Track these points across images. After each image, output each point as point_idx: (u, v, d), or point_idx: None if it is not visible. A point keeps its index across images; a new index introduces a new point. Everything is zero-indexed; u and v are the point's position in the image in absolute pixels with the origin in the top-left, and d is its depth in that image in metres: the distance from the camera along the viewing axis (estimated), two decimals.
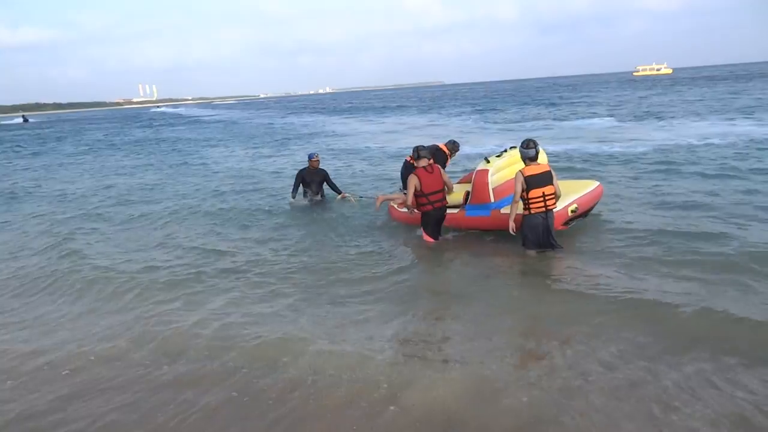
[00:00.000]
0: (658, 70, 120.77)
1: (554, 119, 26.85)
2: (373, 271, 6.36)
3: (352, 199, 9.72)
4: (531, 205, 6.12)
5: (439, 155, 8.13)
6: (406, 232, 7.72)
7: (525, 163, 6.20)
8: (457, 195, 7.47)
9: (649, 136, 16.95)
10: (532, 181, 6.04)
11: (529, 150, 6.14)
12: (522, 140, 6.32)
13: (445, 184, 6.89)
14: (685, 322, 4.50)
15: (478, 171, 7.06)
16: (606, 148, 15.13)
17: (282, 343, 4.62)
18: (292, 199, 9.77)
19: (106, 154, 24.85)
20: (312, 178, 9.69)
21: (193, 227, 9.09)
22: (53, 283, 6.64)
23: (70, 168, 20.13)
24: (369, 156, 17.59)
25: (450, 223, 7.26)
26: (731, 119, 20.55)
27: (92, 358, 4.63)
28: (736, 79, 59.54)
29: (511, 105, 42.84)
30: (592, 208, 7.27)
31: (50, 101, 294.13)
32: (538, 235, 6.21)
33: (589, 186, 7.38)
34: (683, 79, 74.40)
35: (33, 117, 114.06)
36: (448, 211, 7.17)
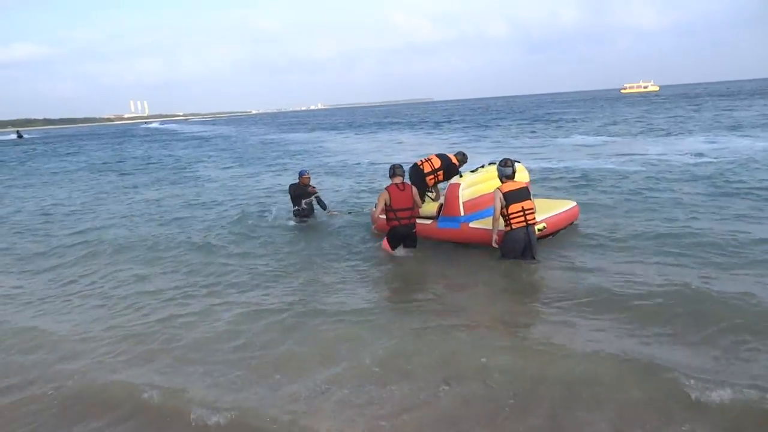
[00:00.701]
0: (645, 87, 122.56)
1: (550, 136, 26.99)
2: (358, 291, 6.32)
3: (339, 215, 9.88)
4: (512, 220, 6.30)
5: (452, 167, 8.02)
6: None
7: (502, 181, 6.44)
8: (431, 206, 7.66)
9: (646, 151, 17.13)
10: (510, 197, 6.26)
11: (506, 168, 6.41)
12: (500, 159, 6.62)
13: (415, 203, 7.07)
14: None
15: (450, 184, 7.31)
16: (602, 163, 15.15)
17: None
18: (295, 210, 9.67)
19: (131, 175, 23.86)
20: (301, 194, 9.67)
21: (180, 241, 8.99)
22: None
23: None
24: (360, 172, 17.57)
25: (422, 234, 7.37)
26: (725, 135, 20.82)
27: None
28: (728, 96, 60.43)
29: (507, 121, 42.99)
30: (564, 227, 7.48)
31: (40, 117, 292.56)
32: (517, 250, 6.38)
33: (564, 206, 7.61)
34: (672, 96, 75.48)
35: (26, 132, 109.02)
36: (422, 221, 7.38)
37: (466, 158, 8.59)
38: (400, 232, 7.05)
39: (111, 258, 8.35)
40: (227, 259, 7.85)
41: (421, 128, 42.69)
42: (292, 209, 9.73)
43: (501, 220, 6.34)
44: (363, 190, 13.39)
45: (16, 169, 28.65)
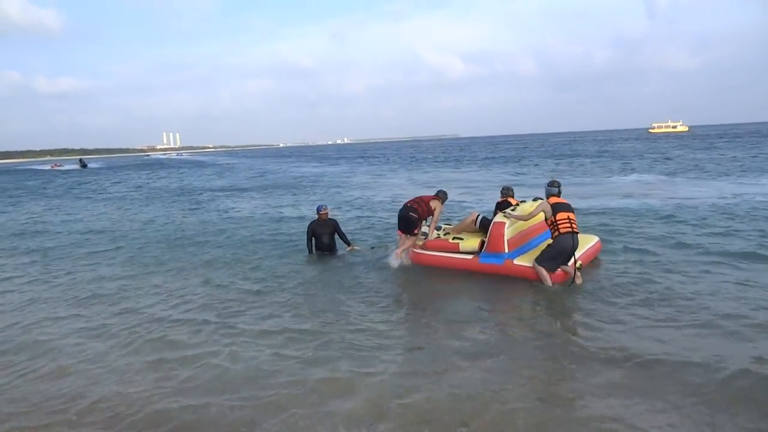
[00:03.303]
0: (674, 127, 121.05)
1: (592, 174, 26.62)
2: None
3: (361, 249, 9.83)
4: (560, 226, 7.06)
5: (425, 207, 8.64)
6: (415, 284, 7.82)
7: (548, 198, 7.35)
8: (472, 242, 8.07)
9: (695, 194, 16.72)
10: (557, 207, 7.16)
11: (552, 188, 7.39)
12: (548, 180, 7.64)
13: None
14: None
15: (495, 223, 7.77)
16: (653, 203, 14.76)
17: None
18: (310, 254, 9.64)
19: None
20: (322, 230, 9.61)
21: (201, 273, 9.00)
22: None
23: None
24: (389, 208, 17.53)
25: (464, 268, 7.95)
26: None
27: None
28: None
29: (544, 159, 42.60)
30: (593, 259, 8.19)
31: (77, 147, 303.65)
32: (564, 253, 7.03)
33: (591, 241, 8.36)
34: (704, 136, 74.27)
35: (69, 162, 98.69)
36: (464, 256, 7.99)
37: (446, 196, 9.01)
38: None
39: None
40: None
41: (462, 165, 42.61)
42: (314, 247, 9.64)
43: (533, 221, 7.61)
44: (387, 224, 13.29)
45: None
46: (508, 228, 7.69)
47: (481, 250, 7.94)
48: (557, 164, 34.04)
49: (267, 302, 7.15)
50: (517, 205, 8.42)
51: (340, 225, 9.97)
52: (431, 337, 5.78)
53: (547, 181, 7.67)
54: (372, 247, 10.02)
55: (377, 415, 4.13)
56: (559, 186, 7.38)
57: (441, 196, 8.79)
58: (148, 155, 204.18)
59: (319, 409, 4.28)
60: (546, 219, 7.26)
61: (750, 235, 9.57)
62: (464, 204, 16.69)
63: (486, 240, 7.84)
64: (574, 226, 7.08)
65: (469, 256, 7.98)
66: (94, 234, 13.93)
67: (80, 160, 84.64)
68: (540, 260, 7.19)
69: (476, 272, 7.83)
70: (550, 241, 7.23)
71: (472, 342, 5.51)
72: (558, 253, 7.06)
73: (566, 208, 7.21)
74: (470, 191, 20.79)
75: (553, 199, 7.28)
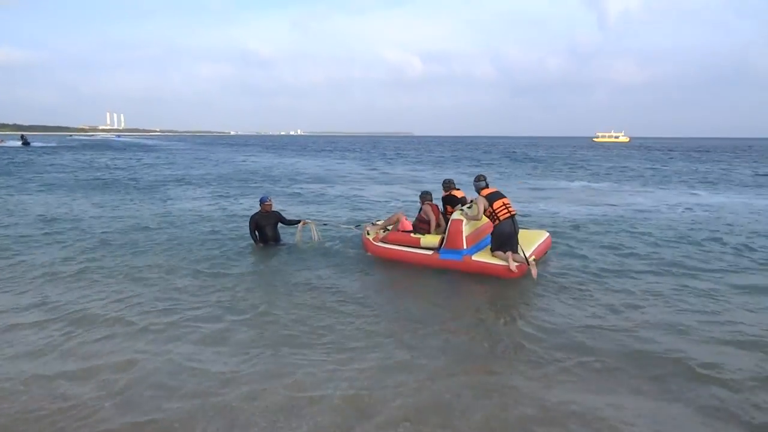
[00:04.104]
0: (616, 137, 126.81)
1: (537, 179, 27.35)
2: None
3: (314, 228, 9.75)
4: (498, 214, 7.59)
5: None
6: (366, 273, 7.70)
7: (479, 192, 7.78)
8: (433, 238, 8.22)
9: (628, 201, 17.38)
10: (491, 197, 7.69)
11: (480, 182, 7.93)
12: (474, 176, 8.10)
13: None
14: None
15: (453, 220, 7.89)
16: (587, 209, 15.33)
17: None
18: (260, 245, 9.36)
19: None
20: (266, 222, 9.41)
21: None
22: None
23: None
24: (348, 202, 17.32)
25: (424, 264, 8.03)
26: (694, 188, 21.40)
27: None
28: (697, 152, 62.74)
29: (498, 161, 43.41)
30: (544, 254, 8.60)
31: (10, 122, 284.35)
32: (506, 240, 7.51)
33: (542, 236, 8.83)
34: (642, 148, 78.16)
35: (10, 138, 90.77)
36: (424, 252, 8.14)
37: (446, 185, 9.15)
38: None
39: None
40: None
41: (410, 162, 42.80)
42: (258, 239, 9.39)
43: (484, 218, 7.77)
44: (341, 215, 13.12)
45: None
46: (465, 225, 7.84)
47: (440, 246, 8.06)
48: (514, 169, 34.66)
49: (207, 300, 6.76)
50: (463, 198, 8.69)
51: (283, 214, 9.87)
52: (381, 331, 5.66)
53: (473, 178, 8.12)
54: (325, 224, 10.54)
55: (315, 406, 4.07)
56: (485, 179, 7.94)
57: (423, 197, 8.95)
58: (92, 136, 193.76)
59: (257, 403, 4.14)
60: (484, 211, 7.68)
61: (680, 244, 10.02)
62: (411, 200, 16.69)
63: (445, 237, 7.97)
64: (510, 210, 7.64)
65: (430, 252, 8.10)
66: (27, 225, 12.93)
67: (22, 136, 77.27)
68: (493, 251, 7.64)
69: (436, 268, 7.90)
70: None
71: (423, 337, 5.46)
72: (504, 238, 7.52)
73: (499, 195, 7.75)
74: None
75: (485, 191, 7.75)
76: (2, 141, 76.20)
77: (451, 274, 7.73)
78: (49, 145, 73.45)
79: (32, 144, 71.13)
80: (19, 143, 69.57)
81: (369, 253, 8.76)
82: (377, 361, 4.87)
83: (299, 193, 18.63)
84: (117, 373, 4.63)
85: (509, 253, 7.46)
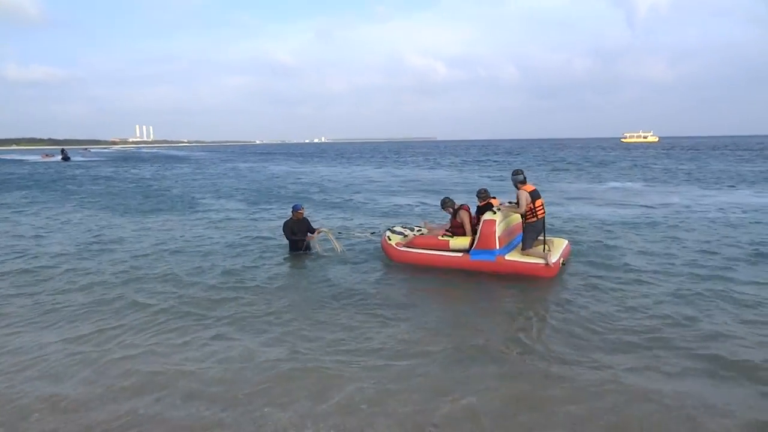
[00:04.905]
0: (645, 137, 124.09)
1: (567, 181, 26.95)
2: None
3: (331, 237, 9.61)
4: (538, 212, 7.73)
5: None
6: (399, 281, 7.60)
7: (517, 187, 7.85)
8: (462, 240, 8.12)
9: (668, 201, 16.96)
10: (534, 194, 7.77)
11: (519, 176, 7.96)
12: (512, 170, 8.18)
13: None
14: None
15: (486, 220, 7.79)
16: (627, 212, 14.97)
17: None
18: (293, 251, 9.47)
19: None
20: (298, 228, 9.47)
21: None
22: None
23: None
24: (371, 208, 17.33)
25: (454, 267, 7.95)
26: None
27: None
28: (730, 150, 61.09)
29: (527, 163, 42.87)
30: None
31: (45, 137, 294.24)
32: (536, 237, 7.76)
33: (562, 243, 8.58)
34: (675, 147, 76.32)
35: (32, 153, 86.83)
36: (453, 254, 8.01)
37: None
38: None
39: None
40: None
41: (450, 166, 42.71)
42: (290, 246, 9.50)
43: (514, 217, 8.07)
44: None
45: None
46: (498, 225, 7.77)
47: (471, 248, 7.94)
48: (552, 170, 33.98)
49: (246, 308, 6.87)
50: (501, 205, 8.42)
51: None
52: (418, 339, 5.61)
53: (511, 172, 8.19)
54: (340, 233, 10.29)
55: (346, 414, 4.08)
56: (523, 173, 8.00)
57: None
58: (124, 148, 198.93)
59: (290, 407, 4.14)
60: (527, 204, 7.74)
61: (722, 246, 9.72)
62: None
63: (477, 237, 7.85)
64: (545, 210, 7.95)
65: (460, 254, 7.98)
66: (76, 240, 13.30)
67: (62, 150, 71.72)
68: (525, 247, 7.75)
69: (466, 270, 7.83)
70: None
71: (456, 346, 5.39)
72: (537, 235, 7.77)
73: (539, 194, 7.90)
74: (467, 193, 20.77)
75: (528, 187, 7.81)
76: (51, 156, 73.19)
77: (478, 277, 7.63)
78: (90, 159, 71.12)
79: (72, 159, 66.83)
80: (59, 158, 65.47)
81: (393, 260, 8.53)
82: (425, 373, 4.82)
83: (328, 201, 18.71)
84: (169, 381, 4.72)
85: (542, 248, 7.67)
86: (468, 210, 8.51)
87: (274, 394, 4.40)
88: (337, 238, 9.62)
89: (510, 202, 8.30)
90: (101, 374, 4.83)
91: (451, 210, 8.57)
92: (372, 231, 10.45)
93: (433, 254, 8.23)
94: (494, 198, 8.78)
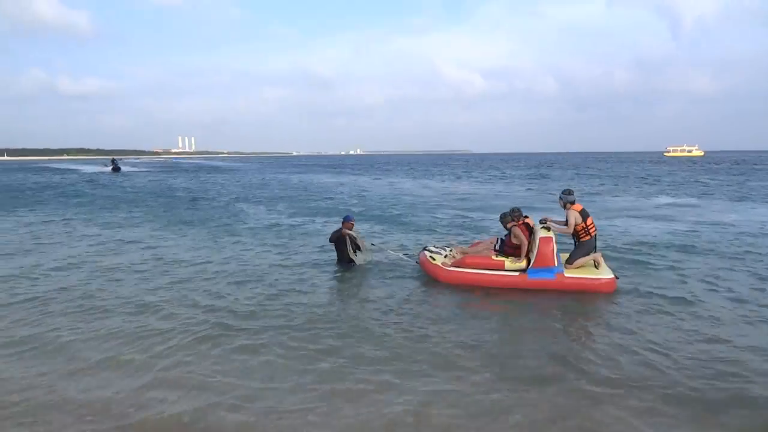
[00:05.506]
0: (689, 152, 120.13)
1: (610, 195, 26.33)
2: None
3: (362, 243, 9.66)
4: (591, 230, 8.00)
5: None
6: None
7: (566, 207, 8.10)
8: (521, 262, 8.02)
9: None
10: (584, 213, 8.01)
11: (570, 196, 8.19)
12: (563, 189, 8.38)
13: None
14: None
15: (543, 238, 7.80)
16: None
17: None
18: (340, 263, 9.51)
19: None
20: (345, 240, 9.46)
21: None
22: None
23: None
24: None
25: (512, 286, 7.85)
26: None
27: None
28: None
29: (567, 177, 42.27)
30: None
31: (94, 147, 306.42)
32: (587, 254, 7.95)
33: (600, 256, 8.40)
34: (723, 162, 73.44)
35: (91, 163, 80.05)
36: (510, 273, 7.94)
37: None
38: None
39: None
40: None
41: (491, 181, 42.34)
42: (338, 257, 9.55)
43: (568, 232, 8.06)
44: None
45: None
46: (555, 243, 7.82)
47: (528, 267, 7.89)
48: (584, 185, 33.17)
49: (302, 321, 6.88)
50: (547, 222, 8.27)
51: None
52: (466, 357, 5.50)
53: (561, 190, 8.38)
54: (373, 244, 10.20)
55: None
56: (573, 192, 8.24)
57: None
58: (169, 158, 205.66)
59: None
60: (576, 225, 7.93)
61: None
62: (485, 222, 16.38)
63: (533, 256, 7.83)
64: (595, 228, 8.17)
65: (516, 273, 7.91)
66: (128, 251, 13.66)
67: (112, 160, 66.11)
68: (578, 262, 7.92)
69: (524, 289, 7.76)
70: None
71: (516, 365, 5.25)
72: (586, 253, 7.94)
73: (587, 212, 8.09)
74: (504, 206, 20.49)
75: (578, 206, 8.06)
76: (105, 165, 67.80)
77: (523, 295, 7.53)
78: (138, 170, 68.52)
79: (123, 169, 63.91)
80: (108, 168, 61.65)
81: (440, 280, 8.23)
82: (469, 392, 4.72)
83: (367, 213, 18.70)
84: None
85: (597, 259, 8.00)
86: (524, 227, 8.30)
87: (318, 412, 4.36)
88: (370, 250, 9.70)
89: (544, 220, 8.21)
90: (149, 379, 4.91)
91: (507, 224, 8.42)
92: (405, 252, 10.20)
93: (487, 274, 8.02)
94: (528, 217, 8.65)
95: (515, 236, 8.21)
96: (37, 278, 8.82)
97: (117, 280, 8.70)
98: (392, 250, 10.18)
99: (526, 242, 8.08)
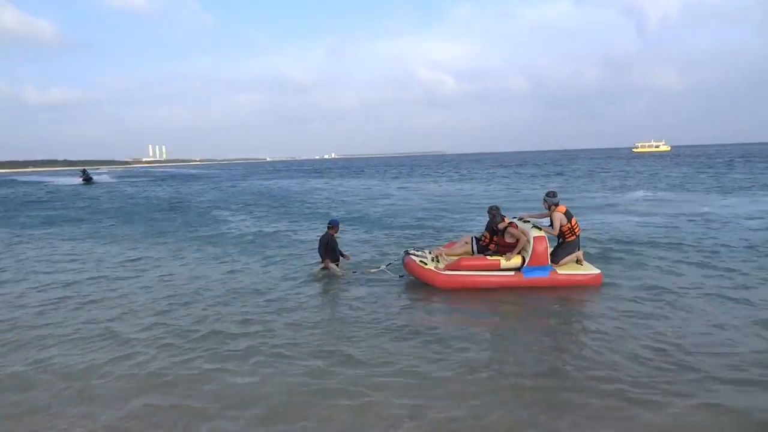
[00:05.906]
0: (656, 147, 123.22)
1: (582, 192, 26.77)
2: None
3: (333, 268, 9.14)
4: (576, 230, 8.23)
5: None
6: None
7: (551, 209, 8.25)
8: (515, 259, 8.08)
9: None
10: (568, 214, 8.24)
11: (554, 198, 8.29)
12: (546, 191, 8.48)
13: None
14: None
15: (537, 237, 7.97)
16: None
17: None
18: (323, 266, 9.30)
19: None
20: (332, 244, 9.40)
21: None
22: None
23: None
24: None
25: (508, 286, 7.94)
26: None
27: None
28: (744, 158, 60.43)
29: (541, 175, 42.81)
30: None
31: (60, 158, 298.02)
32: (572, 253, 8.16)
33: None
34: (687, 156, 75.71)
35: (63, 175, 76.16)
36: (505, 273, 8.00)
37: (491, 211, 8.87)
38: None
39: None
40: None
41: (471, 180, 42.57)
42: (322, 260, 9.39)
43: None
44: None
45: None
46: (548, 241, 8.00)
47: (522, 266, 8.01)
48: (559, 182, 33.80)
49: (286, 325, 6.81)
50: (528, 219, 8.64)
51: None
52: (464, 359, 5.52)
53: (545, 192, 8.48)
54: (388, 264, 9.38)
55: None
56: (557, 195, 8.36)
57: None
58: (137, 167, 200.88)
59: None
60: (562, 226, 8.13)
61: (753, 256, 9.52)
62: (470, 222, 16.49)
63: (528, 255, 7.97)
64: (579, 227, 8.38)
65: (512, 273, 8.01)
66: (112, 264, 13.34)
67: (83, 171, 61.62)
68: (564, 261, 8.13)
69: (520, 288, 7.86)
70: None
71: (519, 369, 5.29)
72: (569, 253, 8.17)
73: (572, 214, 8.36)
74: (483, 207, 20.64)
75: (562, 208, 8.28)
76: (76, 177, 63.54)
77: (515, 292, 7.63)
78: (110, 180, 65.54)
79: (94, 179, 60.10)
80: (79, 180, 57.60)
81: (437, 286, 7.99)
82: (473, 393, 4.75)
83: (346, 217, 18.62)
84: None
85: (578, 256, 8.26)
86: (517, 226, 8.39)
87: (314, 417, 4.31)
88: (347, 270, 9.22)
89: (522, 218, 8.63)
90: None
91: (499, 225, 8.46)
92: (387, 263, 9.46)
93: (484, 275, 7.99)
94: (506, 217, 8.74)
95: (511, 235, 8.24)
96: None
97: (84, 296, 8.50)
98: (372, 270, 9.22)
99: (524, 239, 8.09)
